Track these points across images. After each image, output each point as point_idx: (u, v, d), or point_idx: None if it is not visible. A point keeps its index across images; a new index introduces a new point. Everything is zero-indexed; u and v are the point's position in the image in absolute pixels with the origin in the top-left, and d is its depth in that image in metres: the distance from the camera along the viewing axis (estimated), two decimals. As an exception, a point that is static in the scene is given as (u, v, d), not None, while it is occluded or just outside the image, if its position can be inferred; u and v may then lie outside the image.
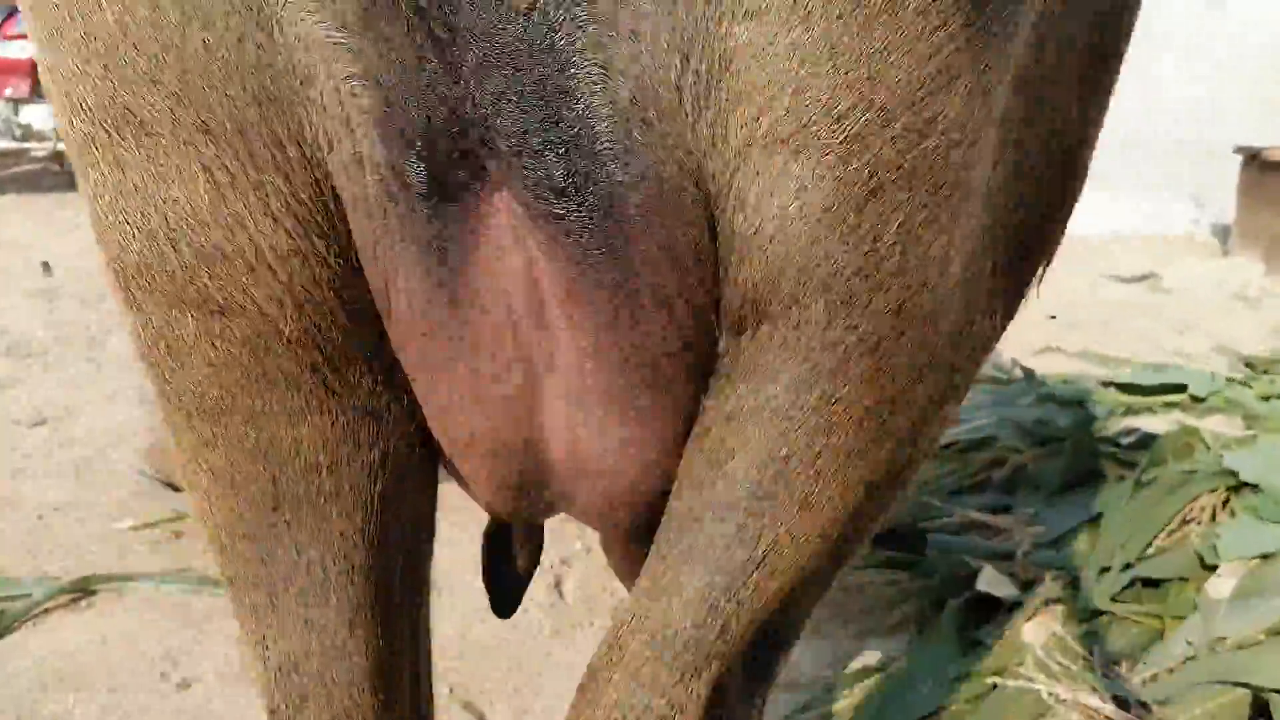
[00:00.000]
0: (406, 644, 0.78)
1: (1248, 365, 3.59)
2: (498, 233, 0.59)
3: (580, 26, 0.54)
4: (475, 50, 0.54)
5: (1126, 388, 2.98)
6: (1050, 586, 2.01)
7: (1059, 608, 1.96)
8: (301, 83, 0.55)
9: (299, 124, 0.56)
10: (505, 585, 1.17)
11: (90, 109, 0.57)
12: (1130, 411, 2.78)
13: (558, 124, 0.55)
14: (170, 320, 0.61)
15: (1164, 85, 7.06)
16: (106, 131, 0.57)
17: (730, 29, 0.53)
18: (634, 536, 0.91)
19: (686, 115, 0.56)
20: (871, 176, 0.57)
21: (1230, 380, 2.95)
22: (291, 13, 0.54)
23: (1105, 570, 2.01)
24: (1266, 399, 2.72)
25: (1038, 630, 1.95)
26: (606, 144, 0.56)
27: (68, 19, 0.55)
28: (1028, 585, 2.04)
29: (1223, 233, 6.99)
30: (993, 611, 1.99)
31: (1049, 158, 0.72)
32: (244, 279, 0.59)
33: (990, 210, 0.67)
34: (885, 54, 0.54)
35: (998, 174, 0.66)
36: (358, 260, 0.62)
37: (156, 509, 2.44)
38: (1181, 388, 2.90)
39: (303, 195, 0.58)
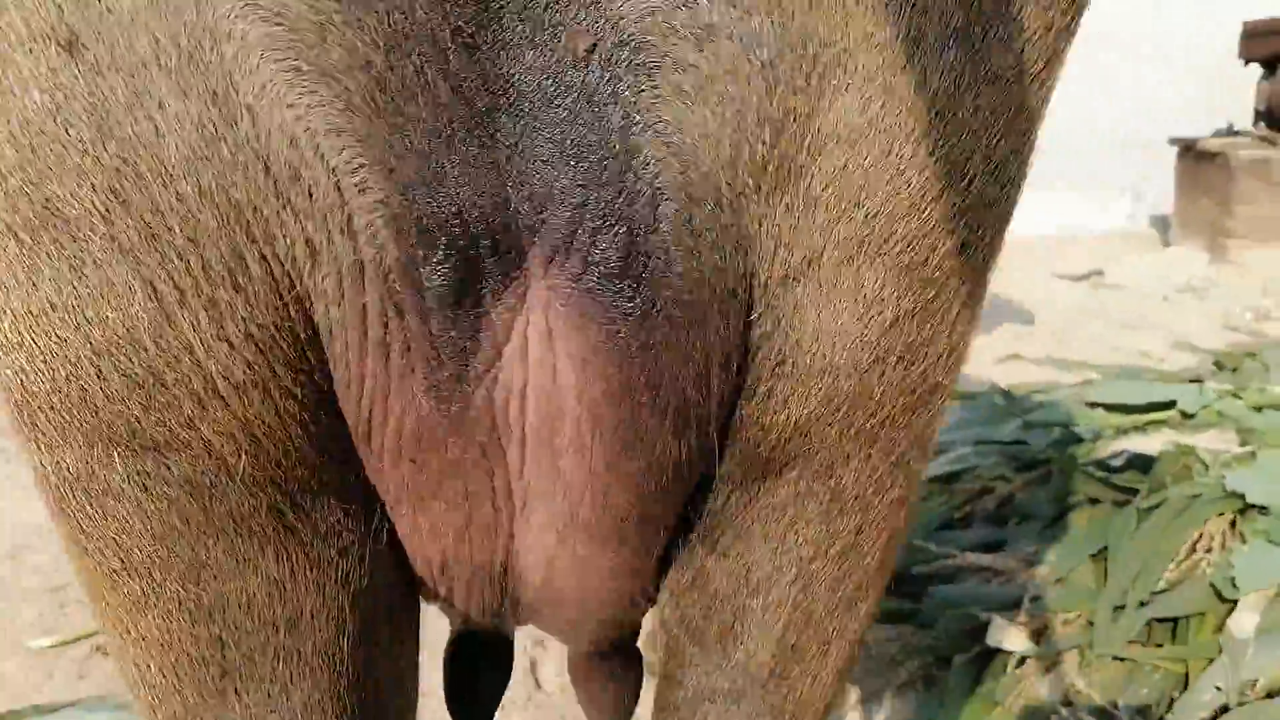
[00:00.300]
0: None
1: (1216, 364, 3.54)
2: (525, 340, 0.50)
3: (649, 74, 0.45)
4: (522, 114, 0.46)
5: (1113, 407, 2.88)
6: (1062, 633, 1.89)
7: (1074, 656, 1.85)
8: (278, 182, 0.45)
9: (269, 233, 0.46)
10: (471, 704, 1.05)
11: (19, 190, 0.45)
12: (1118, 431, 2.68)
13: (617, 201, 0.47)
14: (90, 461, 0.51)
15: (1100, 81, 7.13)
16: (17, 232, 0.45)
17: (824, 116, 0.47)
18: (599, 655, 0.92)
19: (754, 206, 0.49)
20: (937, 287, 0.54)
21: (1219, 393, 2.86)
22: (271, 99, 0.43)
23: (1119, 610, 1.89)
24: (1259, 409, 2.64)
25: (1055, 683, 1.83)
26: (668, 228, 0.48)
27: None
28: (1037, 633, 1.91)
29: (1161, 224, 7.06)
30: (1003, 663, 1.87)
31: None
32: (189, 413, 0.49)
33: None
34: (964, 162, 0.51)
35: None
36: (330, 388, 0.52)
37: (79, 623, 2.20)
38: (1169, 404, 2.81)
39: (266, 317, 0.48)
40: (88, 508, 0.53)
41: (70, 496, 0.53)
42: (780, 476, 0.59)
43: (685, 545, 0.65)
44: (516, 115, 0.46)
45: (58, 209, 0.45)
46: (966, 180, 0.51)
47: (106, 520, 0.53)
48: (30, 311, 0.47)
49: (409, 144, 0.45)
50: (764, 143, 0.47)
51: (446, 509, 0.57)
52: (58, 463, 0.52)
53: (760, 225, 0.50)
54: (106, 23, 0.42)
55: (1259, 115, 6.46)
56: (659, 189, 0.47)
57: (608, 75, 0.45)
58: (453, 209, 0.46)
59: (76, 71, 0.43)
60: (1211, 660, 1.73)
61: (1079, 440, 2.60)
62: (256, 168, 0.44)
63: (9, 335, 0.49)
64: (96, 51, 0.42)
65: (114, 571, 0.54)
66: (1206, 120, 6.57)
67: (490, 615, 0.67)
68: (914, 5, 0.47)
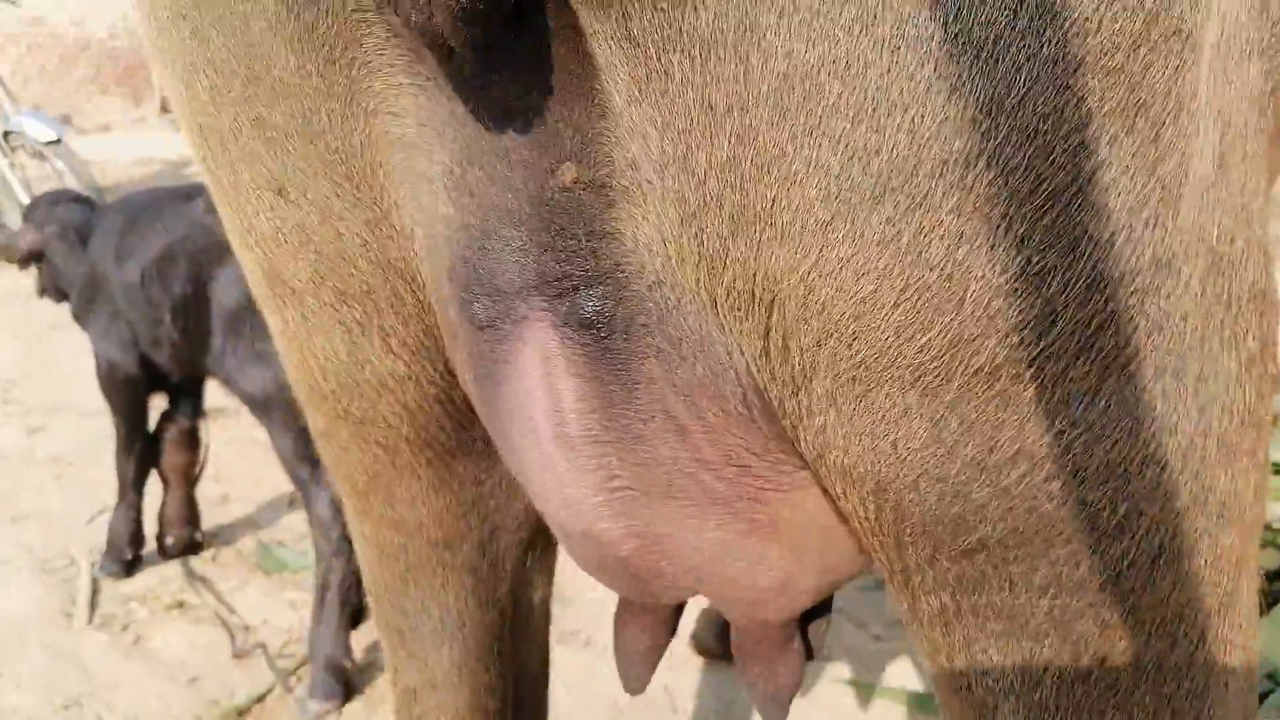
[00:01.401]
0: (509, 688, 0.95)
1: None
2: (537, 358, 0.65)
3: (611, 204, 0.57)
4: (535, 214, 0.60)
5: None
6: None
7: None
8: (407, 242, 0.67)
9: (412, 276, 0.68)
10: (631, 660, 1.16)
11: (257, 276, 0.73)
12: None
13: (588, 273, 0.60)
14: (332, 426, 0.79)
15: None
16: (270, 292, 0.73)
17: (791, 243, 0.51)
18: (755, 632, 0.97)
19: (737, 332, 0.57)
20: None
21: None
22: (404, 199, 0.65)
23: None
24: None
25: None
26: (631, 292, 0.60)
27: (236, 217, 0.70)
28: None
29: None
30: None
31: None
32: (374, 400, 0.75)
33: None
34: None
35: None
36: (455, 376, 0.74)
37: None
38: None
39: (415, 332, 0.71)
40: (333, 453, 0.82)
41: (327, 446, 0.82)
42: (913, 584, 0.59)
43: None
44: (519, 223, 0.61)
45: (284, 280, 0.71)
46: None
47: (343, 461, 0.82)
48: (288, 337, 0.75)
49: (468, 230, 0.62)
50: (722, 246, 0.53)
51: (539, 486, 0.71)
52: (317, 426, 0.82)
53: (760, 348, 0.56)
54: (299, 174, 0.65)
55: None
56: (628, 269, 0.59)
57: (589, 194, 0.58)
58: (486, 271, 0.63)
59: (285, 206, 0.67)
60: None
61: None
62: (401, 237, 0.66)
63: (284, 350, 0.77)
64: (295, 194, 0.66)
65: (349, 492, 0.85)
66: None
67: (630, 590, 0.79)
68: None
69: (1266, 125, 0.53)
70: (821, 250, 0.49)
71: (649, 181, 0.54)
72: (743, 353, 0.57)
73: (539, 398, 0.66)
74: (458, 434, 0.78)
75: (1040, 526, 0.51)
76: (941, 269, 0.47)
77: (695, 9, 0.47)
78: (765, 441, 0.61)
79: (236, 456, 3.18)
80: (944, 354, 0.49)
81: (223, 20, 0.60)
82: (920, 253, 0.47)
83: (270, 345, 2.15)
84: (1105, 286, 0.46)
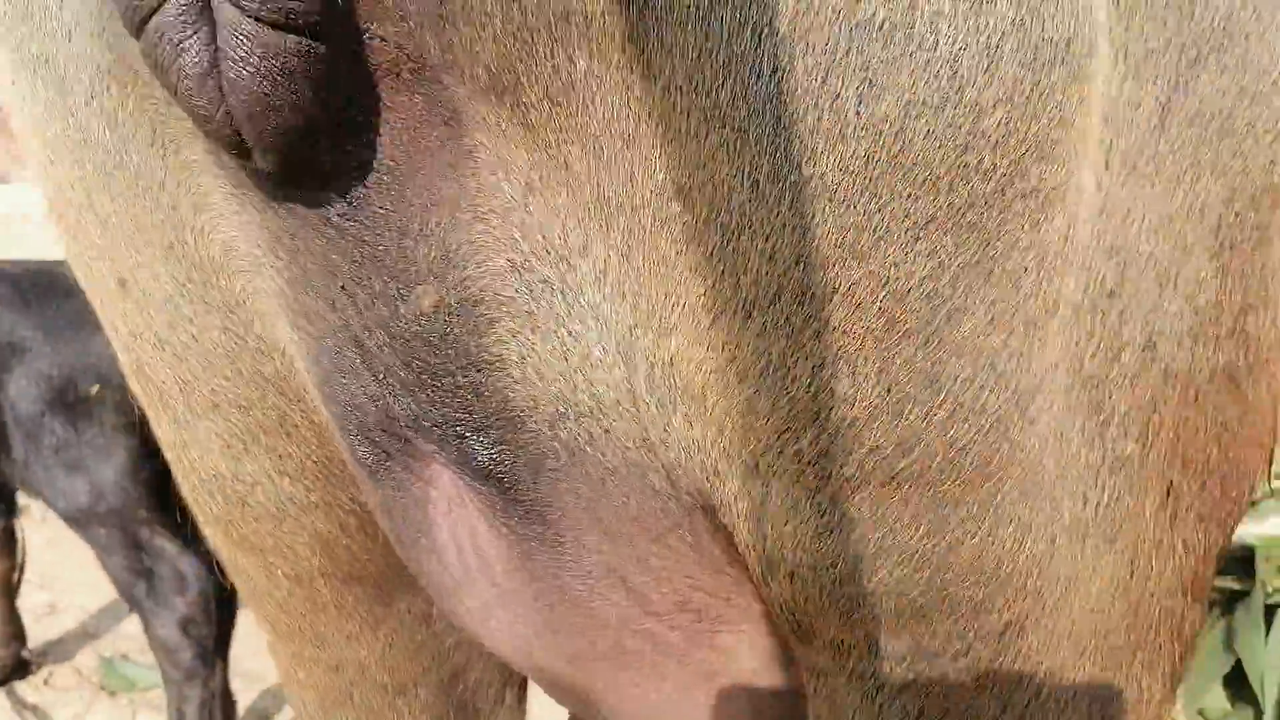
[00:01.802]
0: None
1: None
2: (443, 503, 0.59)
3: (490, 324, 0.51)
4: (390, 347, 0.53)
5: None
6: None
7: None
8: (285, 359, 0.59)
9: (298, 396, 0.60)
10: None
11: (128, 372, 0.65)
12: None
13: (472, 414, 0.54)
14: (232, 554, 0.69)
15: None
16: (142, 392, 0.64)
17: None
18: None
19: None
20: None
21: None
22: (259, 309, 0.57)
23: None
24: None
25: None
26: (529, 433, 0.53)
27: (95, 304, 0.62)
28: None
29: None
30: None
31: None
32: (271, 527, 0.64)
33: None
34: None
35: None
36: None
37: None
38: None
39: (317, 455, 0.62)
40: (248, 588, 0.71)
41: (237, 578, 0.72)
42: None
43: None
44: (386, 342, 0.53)
45: (154, 384, 0.62)
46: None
47: (256, 599, 0.71)
48: (169, 446, 0.65)
49: (326, 350, 0.55)
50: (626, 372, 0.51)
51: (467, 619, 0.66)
52: (221, 555, 0.70)
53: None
54: (137, 267, 0.57)
55: None
56: (509, 404, 0.52)
57: (449, 323, 0.51)
58: (354, 409, 0.56)
59: (127, 306, 0.59)
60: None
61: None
62: (275, 354, 0.59)
63: (171, 462, 0.67)
64: (142, 293, 0.58)
65: (269, 632, 0.74)
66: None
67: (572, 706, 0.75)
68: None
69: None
70: (742, 341, 0.49)
71: (544, 281, 0.49)
72: (675, 462, 0.53)
73: (458, 548, 0.60)
74: (390, 568, 0.68)
75: (908, 610, 0.54)
76: (808, 387, 0.48)
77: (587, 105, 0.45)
78: (715, 572, 0.57)
79: (62, 558, 2.85)
80: (815, 460, 0.50)
81: (47, 73, 0.54)
82: (788, 371, 0.48)
83: (82, 451, 1.96)
84: (966, 418, 0.49)
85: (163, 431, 0.65)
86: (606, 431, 0.52)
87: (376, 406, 0.55)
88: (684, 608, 0.59)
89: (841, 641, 0.56)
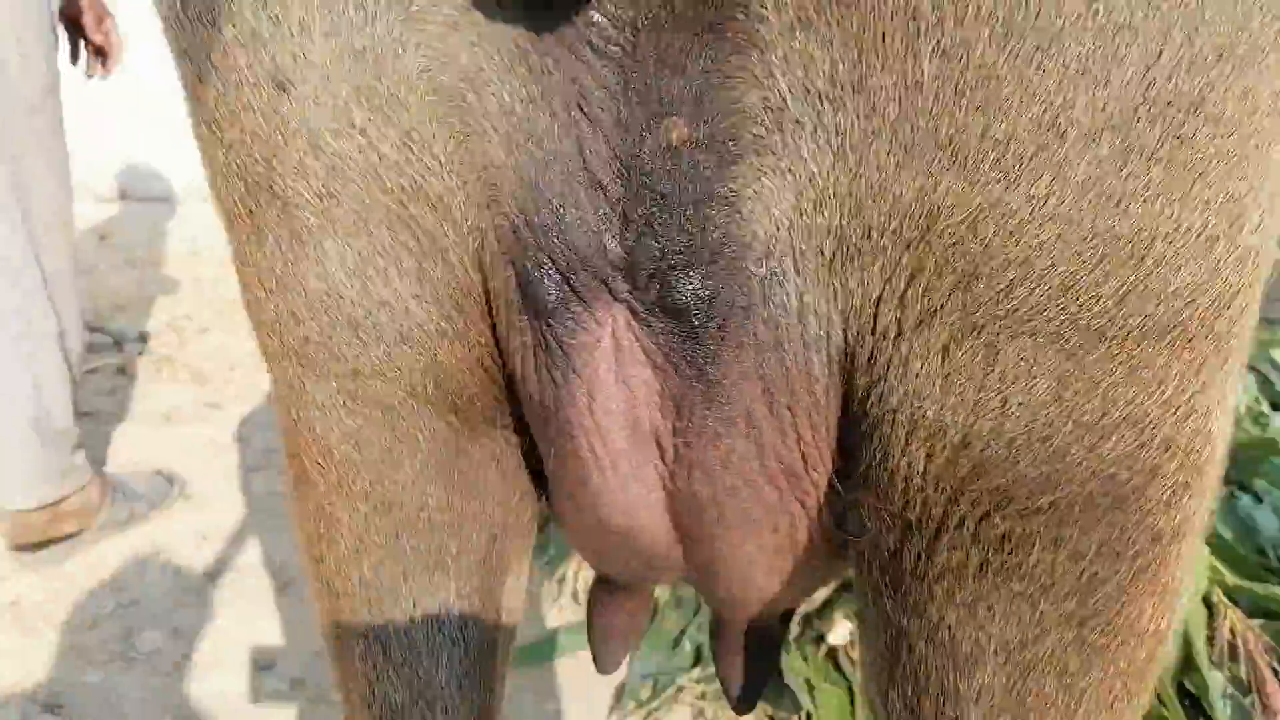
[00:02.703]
0: (498, 702, 0.82)
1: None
2: (610, 347, 0.59)
3: (735, 160, 0.50)
4: (624, 177, 0.52)
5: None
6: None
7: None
8: (455, 180, 0.56)
9: (458, 220, 0.57)
10: (610, 640, 1.14)
11: (231, 182, 0.59)
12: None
13: (690, 249, 0.53)
14: (308, 383, 0.64)
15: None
16: (248, 201, 0.59)
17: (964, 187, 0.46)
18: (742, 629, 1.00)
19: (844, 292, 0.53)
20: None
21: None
22: (448, 129, 0.54)
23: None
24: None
25: None
26: (737, 270, 0.53)
27: (215, 108, 0.57)
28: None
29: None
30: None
31: None
32: (386, 350, 0.61)
33: None
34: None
35: None
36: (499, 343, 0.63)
37: None
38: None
39: (459, 282, 0.59)
40: (302, 415, 0.67)
41: (291, 407, 0.67)
42: (942, 538, 0.56)
43: (872, 595, 0.63)
44: (605, 188, 0.53)
45: (276, 191, 0.57)
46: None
47: (312, 426, 0.67)
48: (257, 270, 0.61)
49: (533, 182, 0.53)
50: (849, 227, 0.50)
51: (562, 462, 0.65)
52: (282, 379, 0.66)
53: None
54: (310, 73, 0.53)
55: None
56: (730, 240, 0.52)
57: (699, 157, 0.50)
58: (560, 241, 0.54)
59: (289, 104, 0.54)
60: None
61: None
62: (442, 176, 0.55)
63: (257, 288, 0.62)
64: (305, 93, 0.53)
65: (316, 468, 0.69)
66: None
67: (639, 574, 0.76)
68: None
69: None
70: (1009, 187, 0.45)
71: (796, 121, 0.48)
72: (841, 311, 0.52)
73: (607, 395, 0.60)
74: (489, 408, 0.66)
75: (1114, 493, 0.52)
76: (1136, 220, 0.45)
77: None
78: (820, 445, 0.59)
79: None
80: (1105, 313, 0.47)
81: None
82: (1119, 201, 0.45)
83: None
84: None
85: (264, 245, 0.60)
86: (798, 273, 0.52)
87: (589, 239, 0.54)
88: (787, 471, 0.60)
89: (998, 527, 0.54)
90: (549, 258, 0.55)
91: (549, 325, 0.58)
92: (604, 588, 1.07)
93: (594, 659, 1.13)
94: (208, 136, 0.58)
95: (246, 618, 2.18)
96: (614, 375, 0.59)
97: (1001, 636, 0.58)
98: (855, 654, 1.79)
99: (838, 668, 1.81)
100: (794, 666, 1.79)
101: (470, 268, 0.59)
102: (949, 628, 0.59)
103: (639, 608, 1.11)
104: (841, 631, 1.84)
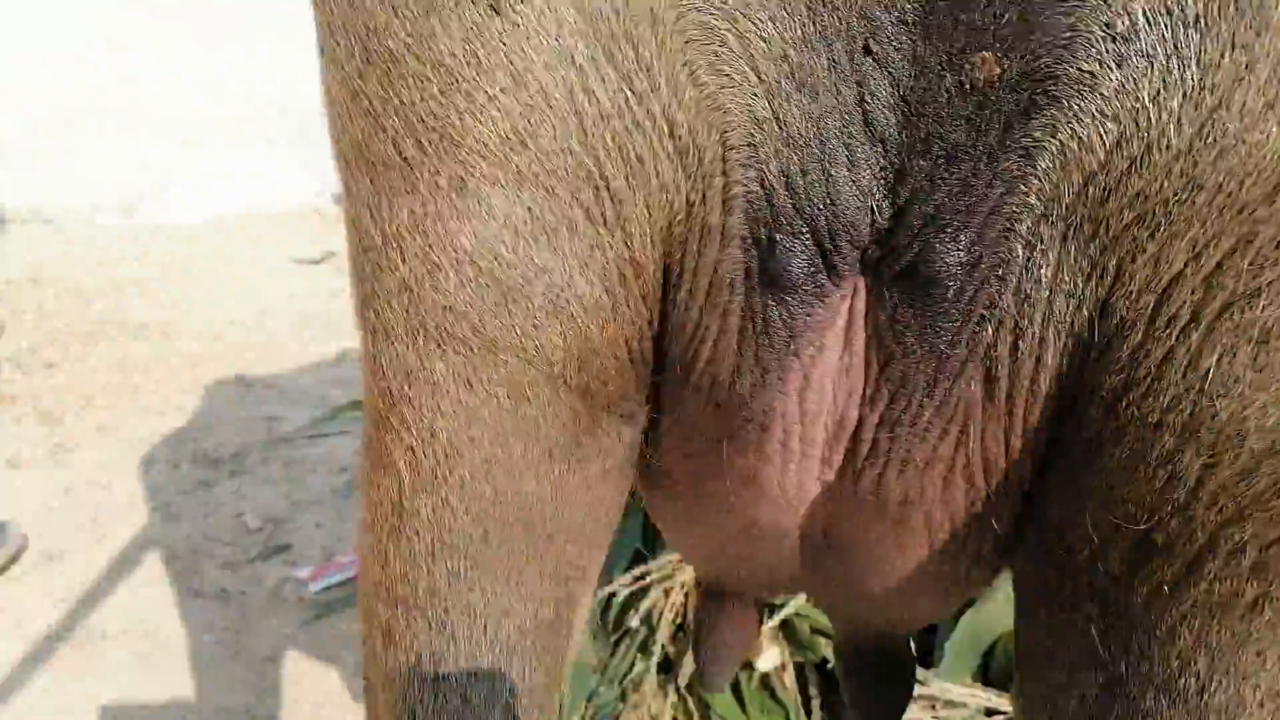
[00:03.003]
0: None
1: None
2: (843, 330, 0.54)
3: (1049, 103, 0.44)
4: (912, 124, 0.47)
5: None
6: None
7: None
8: (676, 144, 0.50)
9: (662, 184, 0.52)
10: (721, 657, 1.09)
11: (406, 127, 0.51)
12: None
13: (969, 209, 0.48)
14: (428, 353, 0.57)
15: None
16: (403, 149, 0.51)
17: None
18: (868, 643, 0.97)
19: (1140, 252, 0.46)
20: None
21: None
22: (686, 76, 0.49)
23: None
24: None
25: None
26: (1004, 231, 0.48)
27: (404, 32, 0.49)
28: None
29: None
30: None
31: None
32: (532, 322, 0.55)
33: None
34: None
35: None
36: (657, 327, 0.59)
37: None
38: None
39: (630, 256, 0.54)
40: (413, 391, 0.59)
41: (400, 382, 0.60)
42: (1206, 566, 0.49)
43: (1071, 631, 0.56)
44: (887, 137, 0.47)
45: (458, 139, 0.50)
46: None
47: (422, 404, 0.59)
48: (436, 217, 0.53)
49: (802, 137, 0.48)
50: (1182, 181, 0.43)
51: (739, 453, 0.60)
52: (397, 351, 0.58)
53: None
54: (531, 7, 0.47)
55: None
56: (1016, 200, 0.46)
57: (1001, 101, 0.44)
58: (824, 204, 0.49)
59: (502, 28, 0.48)
60: None
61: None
62: (661, 130, 0.50)
63: (390, 250, 0.55)
64: (523, 18, 0.47)
65: (417, 451, 0.60)
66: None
67: (767, 588, 0.70)
68: None
69: None
70: None
71: (1146, 54, 0.42)
72: (1100, 296, 0.47)
73: (824, 380, 0.55)
74: (615, 397, 0.60)
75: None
76: None
77: None
78: (1026, 446, 0.54)
79: None
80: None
81: None
82: None
83: None
84: None
85: (400, 202, 0.53)
86: (1064, 243, 0.47)
87: (857, 202, 0.49)
88: (967, 475, 0.56)
89: (1238, 545, 0.48)
90: (807, 226, 0.50)
91: (782, 302, 0.52)
92: (714, 602, 1.03)
93: (701, 678, 1.11)
94: (363, 69, 0.50)
95: (104, 685, 1.97)
96: (838, 358, 0.54)
97: (1273, 687, 0.50)
98: (788, 680, 1.74)
99: (773, 696, 1.75)
100: (720, 704, 1.72)
101: (652, 240, 0.53)
102: (1197, 675, 0.50)
103: (748, 622, 1.06)
104: (770, 657, 1.77)
